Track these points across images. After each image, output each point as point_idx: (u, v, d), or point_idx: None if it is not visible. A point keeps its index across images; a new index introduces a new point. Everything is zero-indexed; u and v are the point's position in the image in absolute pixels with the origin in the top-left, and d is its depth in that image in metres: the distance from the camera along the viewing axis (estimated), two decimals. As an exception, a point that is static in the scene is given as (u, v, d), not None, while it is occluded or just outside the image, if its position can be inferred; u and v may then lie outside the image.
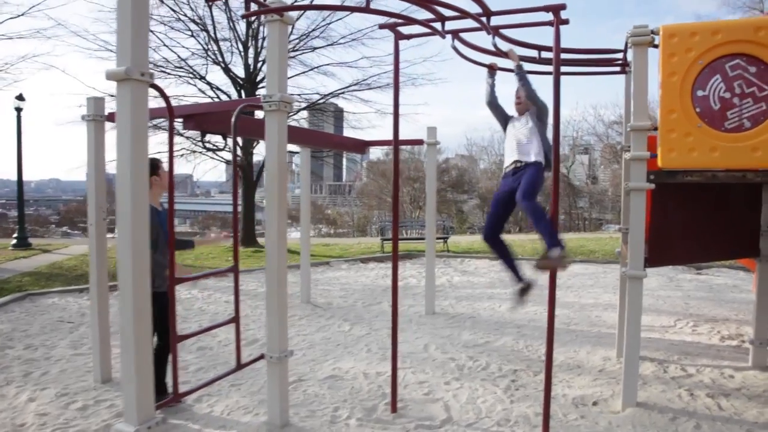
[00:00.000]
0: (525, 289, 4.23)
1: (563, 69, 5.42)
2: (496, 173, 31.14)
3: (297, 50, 15.56)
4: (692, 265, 10.66)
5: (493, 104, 4.46)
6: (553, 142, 3.74)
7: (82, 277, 10.10)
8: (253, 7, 3.45)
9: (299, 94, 15.98)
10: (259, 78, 15.42)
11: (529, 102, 4.16)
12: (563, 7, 3.57)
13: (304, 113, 17.57)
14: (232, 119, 3.69)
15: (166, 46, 14.35)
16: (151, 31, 13.94)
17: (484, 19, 3.71)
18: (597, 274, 10.67)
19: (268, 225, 3.93)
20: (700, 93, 3.96)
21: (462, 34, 4.34)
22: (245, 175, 15.54)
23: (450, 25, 4.07)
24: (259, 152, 15.80)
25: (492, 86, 4.48)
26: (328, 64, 15.52)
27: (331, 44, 15.15)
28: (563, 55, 5.24)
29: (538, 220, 3.88)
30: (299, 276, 8.33)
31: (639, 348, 4.26)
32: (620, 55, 5.07)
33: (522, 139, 4.18)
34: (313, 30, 14.99)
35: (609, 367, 5.27)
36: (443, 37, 3.91)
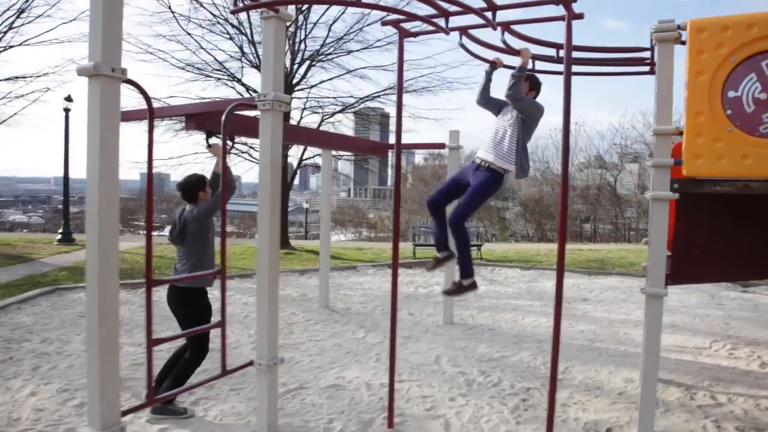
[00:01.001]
0: (444, 259, 4.24)
1: (589, 69, 5.15)
2: (538, 180, 30.39)
3: (334, 53, 15.55)
4: (738, 281, 9.96)
5: (485, 100, 4.32)
6: (563, 149, 3.46)
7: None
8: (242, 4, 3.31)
9: (335, 98, 15.97)
10: (295, 80, 15.47)
11: (514, 105, 3.98)
12: (574, -1, 3.30)
13: (349, 117, 17.54)
14: (222, 118, 3.57)
15: (204, 49, 14.55)
16: (189, 34, 14.22)
17: (489, 14, 3.47)
18: (633, 288, 10.12)
19: (260, 227, 3.80)
20: (731, 94, 3.59)
21: (472, 32, 4.12)
22: (279, 177, 15.59)
23: (458, 22, 3.87)
24: (293, 154, 15.85)
25: (488, 82, 4.28)
26: (364, 68, 15.47)
27: (367, 47, 15.08)
28: (587, 55, 4.96)
29: (462, 249, 4.03)
30: (319, 281, 8.22)
31: (657, 373, 3.90)
32: (648, 54, 4.71)
33: (499, 133, 4.12)
34: (349, 33, 14.94)
35: (630, 391, 4.89)
36: (447, 33, 3.68)
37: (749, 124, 3.55)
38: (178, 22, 14.15)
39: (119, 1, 2.71)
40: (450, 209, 4.15)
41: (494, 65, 4.29)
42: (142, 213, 41.46)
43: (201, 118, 4.34)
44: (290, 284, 9.84)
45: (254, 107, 3.76)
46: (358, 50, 15.47)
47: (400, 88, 3.92)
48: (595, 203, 29.58)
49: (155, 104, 3.18)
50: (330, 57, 15.65)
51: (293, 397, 4.64)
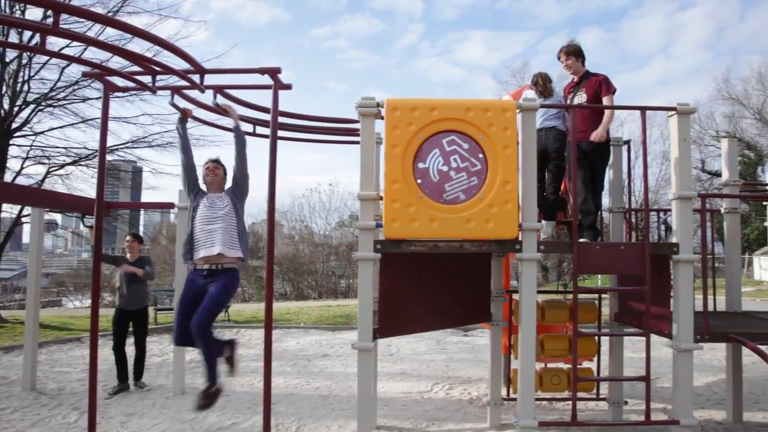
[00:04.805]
0: (214, 394, 3.97)
1: (310, 136, 5.47)
2: (294, 239, 31.05)
3: (67, 99, 14.02)
4: (444, 329, 11.22)
5: (189, 165, 4.06)
6: (269, 219, 3.55)
7: None
8: None
9: (66, 148, 14.31)
10: (15, 125, 13.47)
11: (237, 169, 3.91)
12: (278, 70, 3.49)
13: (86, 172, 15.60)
14: None
15: None
16: None
17: (197, 77, 3.46)
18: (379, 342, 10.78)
19: None
20: (421, 165, 4.11)
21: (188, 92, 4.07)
22: (-10, 237, 13.22)
23: (171, 82, 3.79)
24: (9, 209, 13.62)
25: (184, 138, 4.03)
26: (99, 117, 14.17)
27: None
28: (312, 122, 5.27)
29: (210, 356, 3.90)
30: (23, 357, 6.99)
31: (371, 422, 4.12)
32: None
33: (219, 225, 3.85)
34: (83, 79, 13.60)
35: (355, 442, 5.07)
36: (154, 92, 3.59)
37: (435, 192, 4.09)
38: None
39: None
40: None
41: (185, 116, 4.07)
42: None
43: None
44: (-10, 365, 8.20)
45: None
46: (96, 98, 14.15)
47: (103, 144, 3.64)
48: (346, 260, 31.29)
49: None
50: (62, 103, 14.06)
51: None
